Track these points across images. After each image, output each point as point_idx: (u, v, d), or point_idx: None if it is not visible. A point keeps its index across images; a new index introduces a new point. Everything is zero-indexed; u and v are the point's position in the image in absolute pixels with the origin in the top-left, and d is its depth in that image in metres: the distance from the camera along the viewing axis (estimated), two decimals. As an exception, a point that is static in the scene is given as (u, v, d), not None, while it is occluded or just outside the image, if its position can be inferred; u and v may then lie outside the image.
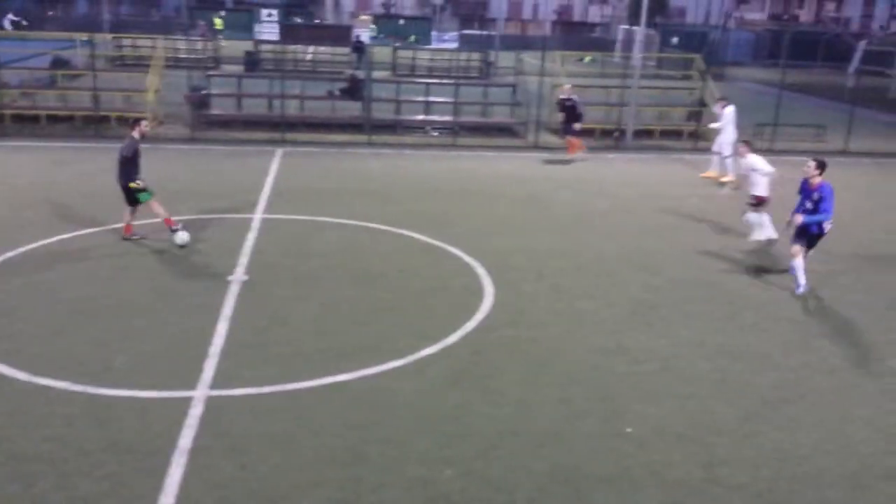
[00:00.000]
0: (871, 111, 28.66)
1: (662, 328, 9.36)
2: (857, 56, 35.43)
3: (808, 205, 10.37)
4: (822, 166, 10.36)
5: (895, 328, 9.69)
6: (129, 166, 11.19)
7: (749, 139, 13.28)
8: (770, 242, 12.28)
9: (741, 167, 12.81)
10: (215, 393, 7.35)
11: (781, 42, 26.65)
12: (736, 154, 14.44)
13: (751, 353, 8.77)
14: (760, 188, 12.17)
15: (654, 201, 15.36)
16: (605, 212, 14.41)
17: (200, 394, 7.31)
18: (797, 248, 10.56)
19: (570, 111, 18.89)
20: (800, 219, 10.35)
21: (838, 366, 8.56)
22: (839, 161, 20.28)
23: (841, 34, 51.81)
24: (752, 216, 12.28)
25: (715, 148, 17.51)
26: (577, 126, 18.81)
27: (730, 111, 17.19)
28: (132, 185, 11.19)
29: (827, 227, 10.41)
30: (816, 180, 10.33)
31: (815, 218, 10.28)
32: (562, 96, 19.27)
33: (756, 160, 12.24)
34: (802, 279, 10.57)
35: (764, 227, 12.24)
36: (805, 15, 79.14)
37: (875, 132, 24.15)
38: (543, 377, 7.98)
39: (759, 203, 12.19)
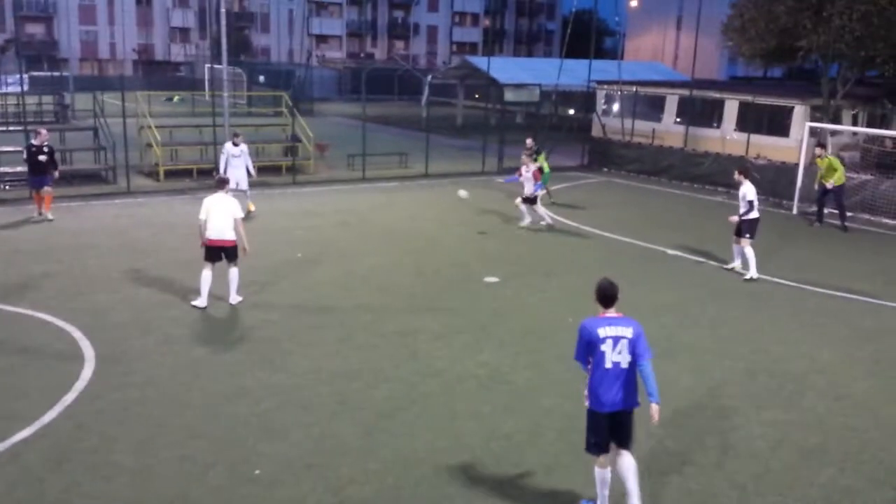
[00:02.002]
0: (443, 137, 32.26)
1: (281, 362, 9.35)
2: (427, 89, 39.70)
3: None
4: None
5: (485, 328, 10.90)
6: None
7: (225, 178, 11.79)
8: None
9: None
10: None
11: (361, 78, 28.73)
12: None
13: (365, 370, 9.17)
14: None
15: (263, 236, 15.37)
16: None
17: None
18: None
19: (50, 158, 16.56)
20: None
21: (442, 368, 9.36)
22: (421, 183, 22.49)
23: (410, 70, 57.50)
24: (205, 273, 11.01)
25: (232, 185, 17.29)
26: (56, 174, 16.72)
27: (244, 148, 17.42)
28: None
29: None
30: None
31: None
32: (35, 142, 16.49)
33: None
34: None
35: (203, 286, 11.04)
36: (379, 53, 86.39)
37: (448, 156, 27.18)
38: (161, 438, 7.43)
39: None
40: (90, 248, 14.22)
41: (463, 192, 17.40)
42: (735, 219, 13.71)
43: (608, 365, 6.00)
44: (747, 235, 13.57)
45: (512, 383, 9.00)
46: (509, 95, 32.59)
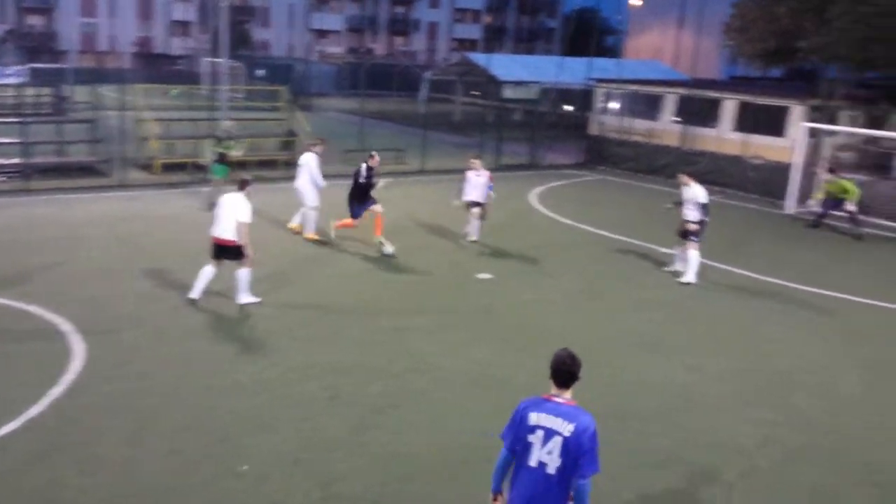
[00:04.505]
0: (441, 133, 32.22)
1: (275, 356, 9.34)
2: (425, 85, 39.65)
3: None
4: None
5: (478, 325, 10.90)
6: None
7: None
8: None
9: None
10: None
11: (360, 74, 28.74)
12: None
13: (358, 365, 9.17)
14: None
15: (261, 232, 15.34)
16: (205, 247, 13.98)
17: None
18: None
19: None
20: None
21: (436, 365, 9.35)
22: (418, 179, 22.48)
23: (410, 66, 57.46)
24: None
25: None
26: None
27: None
28: None
29: None
30: None
31: None
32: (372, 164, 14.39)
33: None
34: None
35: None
36: (379, 49, 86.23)
37: (445, 152, 27.13)
38: (151, 431, 7.42)
39: None
40: (83, 240, 14.19)
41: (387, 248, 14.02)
42: (694, 226, 12.91)
43: (532, 463, 4.54)
44: (694, 238, 12.96)
45: (504, 380, 9.00)
46: (508, 93, 32.55)
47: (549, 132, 28.29)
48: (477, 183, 14.90)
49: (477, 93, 45.17)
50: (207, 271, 10.93)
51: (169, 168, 21.54)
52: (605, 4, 63.18)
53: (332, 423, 7.74)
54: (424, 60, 78.36)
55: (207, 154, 17.18)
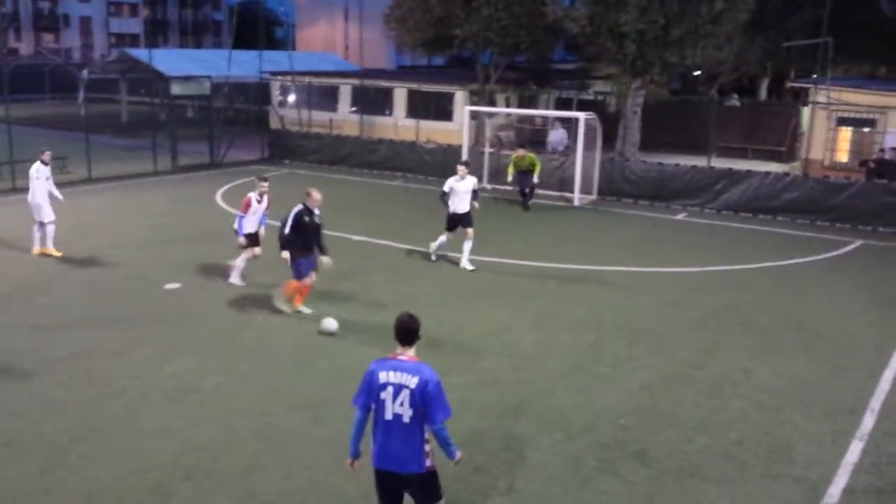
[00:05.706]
0: (108, 137, 29.81)
1: (-78, 410, 8.00)
2: (83, 85, 36.39)
3: None
4: None
5: (172, 337, 10.29)
6: None
7: None
8: None
9: None
10: None
11: (2, 76, 25.24)
12: None
13: (32, 403, 8.19)
14: None
15: None
16: None
17: None
18: None
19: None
20: None
21: (124, 387, 8.66)
22: (85, 189, 20.58)
23: (62, 65, 52.24)
24: None
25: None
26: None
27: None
28: None
29: None
30: None
31: None
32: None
33: None
34: None
35: None
36: (24, 47, 77.14)
37: (115, 157, 25.18)
38: None
39: None
40: None
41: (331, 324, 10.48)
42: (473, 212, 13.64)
43: (388, 416, 5.08)
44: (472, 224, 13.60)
45: (202, 391, 8.62)
46: (177, 89, 31.01)
47: (228, 128, 27.50)
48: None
49: (143, 91, 42.46)
50: None
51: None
52: (269, -4, 62.79)
53: (8, 474, 6.84)
54: (80, 58, 71.82)
55: None
